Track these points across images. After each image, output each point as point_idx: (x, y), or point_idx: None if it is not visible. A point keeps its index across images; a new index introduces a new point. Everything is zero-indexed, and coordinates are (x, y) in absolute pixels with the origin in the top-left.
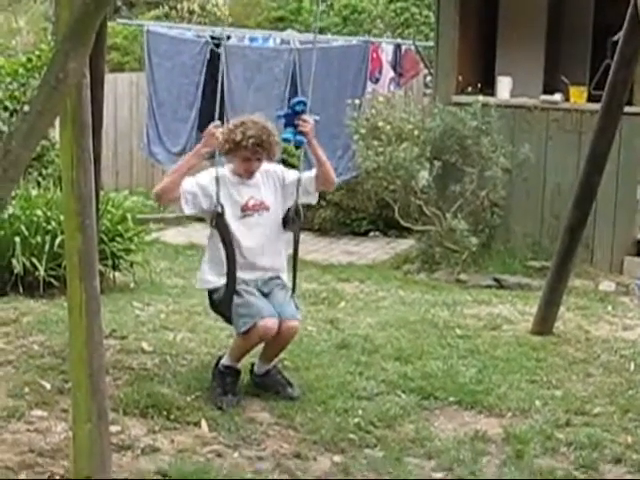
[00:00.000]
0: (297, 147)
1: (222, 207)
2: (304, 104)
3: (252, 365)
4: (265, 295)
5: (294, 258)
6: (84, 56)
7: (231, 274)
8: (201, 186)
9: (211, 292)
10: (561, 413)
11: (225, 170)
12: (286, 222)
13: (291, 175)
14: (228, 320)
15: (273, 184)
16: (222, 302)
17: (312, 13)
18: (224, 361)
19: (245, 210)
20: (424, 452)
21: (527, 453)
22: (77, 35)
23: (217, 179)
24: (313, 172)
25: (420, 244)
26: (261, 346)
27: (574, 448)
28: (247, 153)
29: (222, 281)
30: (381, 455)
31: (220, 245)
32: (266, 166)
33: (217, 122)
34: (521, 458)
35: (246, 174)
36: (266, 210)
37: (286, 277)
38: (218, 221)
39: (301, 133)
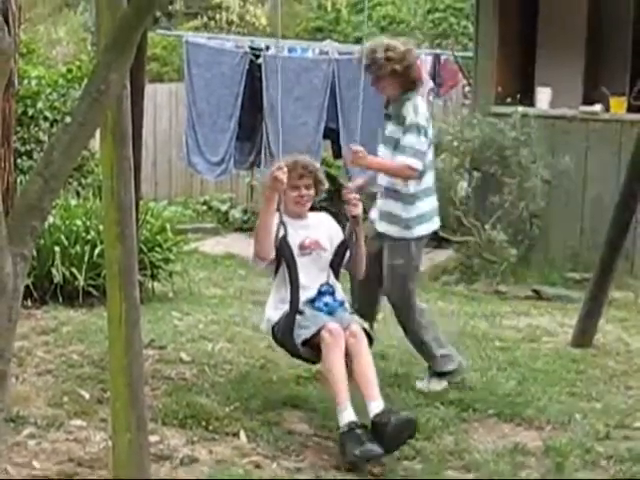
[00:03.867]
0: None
1: (285, 228)
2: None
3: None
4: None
5: (351, 281)
6: (125, 67)
7: (294, 298)
8: None
9: (273, 327)
10: (601, 426)
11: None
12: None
13: (339, 234)
14: (292, 351)
15: (327, 229)
16: (285, 328)
17: (350, 23)
18: (339, 422)
19: (303, 249)
20: (463, 465)
21: (567, 466)
22: (118, 46)
23: (279, 208)
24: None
25: (459, 255)
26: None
27: (614, 461)
28: (294, 180)
29: (280, 312)
30: (420, 467)
31: (282, 282)
32: (323, 215)
33: (280, 163)
34: (561, 471)
35: (297, 206)
36: (323, 250)
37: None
38: (282, 243)
39: (352, 214)
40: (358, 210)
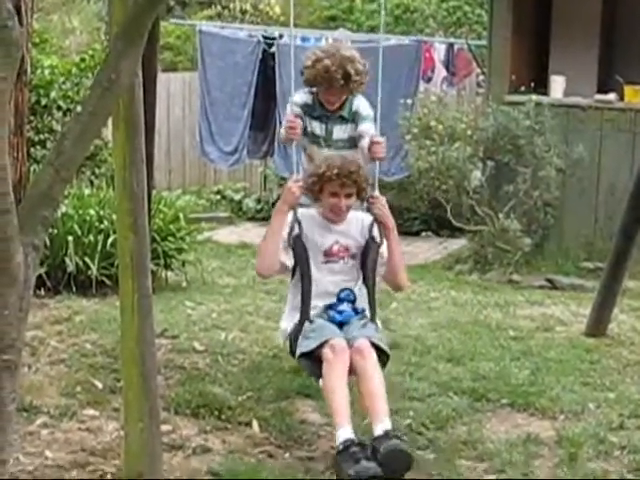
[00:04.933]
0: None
1: (300, 226)
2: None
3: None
4: (340, 326)
5: (368, 282)
6: (136, 56)
7: (305, 303)
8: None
9: (289, 338)
10: (615, 416)
11: (313, 211)
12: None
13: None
14: None
15: (360, 232)
16: (295, 337)
17: (364, 12)
18: (336, 442)
19: (328, 255)
20: (476, 454)
21: (580, 456)
22: (129, 35)
23: (294, 210)
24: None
25: (472, 244)
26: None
27: (628, 451)
28: (334, 187)
29: (294, 321)
30: (432, 457)
31: (297, 287)
32: (355, 213)
33: (295, 176)
34: (574, 461)
35: (333, 214)
36: (352, 258)
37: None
38: (296, 242)
39: (378, 221)
40: (381, 211)
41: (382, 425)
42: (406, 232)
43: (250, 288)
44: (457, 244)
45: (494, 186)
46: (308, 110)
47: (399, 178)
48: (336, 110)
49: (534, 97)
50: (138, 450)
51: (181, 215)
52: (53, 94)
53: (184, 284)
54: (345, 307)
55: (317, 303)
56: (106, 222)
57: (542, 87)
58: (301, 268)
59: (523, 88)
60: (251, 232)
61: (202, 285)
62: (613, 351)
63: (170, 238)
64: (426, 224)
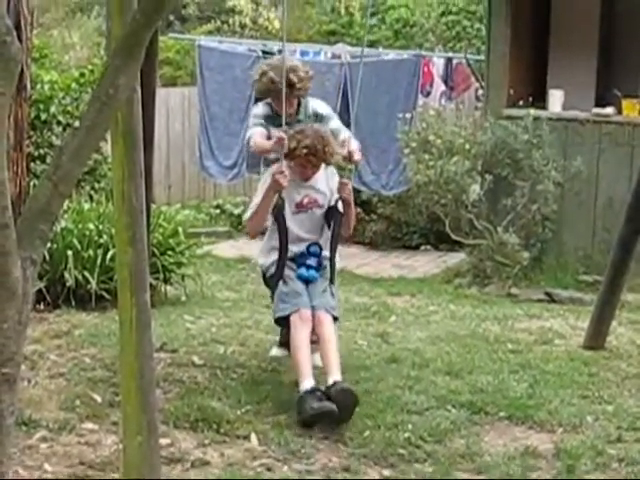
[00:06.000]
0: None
1: (283, 200)
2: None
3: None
4: (306, 283)
5: (332, 246)
6: (134, 71)
7: (283, 256)
8: None
9: (264, 271)
10: (613, 429)
11: (286, 168)
12: (328, 216)
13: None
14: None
15: (328, 186)
16: (272, 276)
17: (363, 27)
18: (300, 387)
19: (299, 207)
20: (474, 467)
21: (578, 469)
22: (127, 50)
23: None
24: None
25: (471, 258)
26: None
27: (626, 464)
28: (302, 161)
29: (271, 259)
30: (431, 470)
31: (275, 232)
32: (323, 169)
33: (281, 165)
34: (572, 474)
35: (302, 176)
36: (319, 207)
37: (328, 260)
38: (278, 213)
39: (341, 198)
40: (348, 196)
41: (333, 377)
42: (405, 246)
43: (249, 302)
44: (456, 258)
45: (492, 200)
46: (270, 120)
47: (398, 192)
48: (293, 116)
49: (532, 111)
50: (137, 464)
51: (180, 229)
52: (53, 109)
53: (183, 298)
54: (312, 262)
55: (291, 248)
56: (105, 236)
57: (540, 101)
58: (279, 226)
59: (521, 102)
60: (250, 246)
61: (201, 299)
62: (611, 364)
63: (169, 252)
64: (425, 238)
